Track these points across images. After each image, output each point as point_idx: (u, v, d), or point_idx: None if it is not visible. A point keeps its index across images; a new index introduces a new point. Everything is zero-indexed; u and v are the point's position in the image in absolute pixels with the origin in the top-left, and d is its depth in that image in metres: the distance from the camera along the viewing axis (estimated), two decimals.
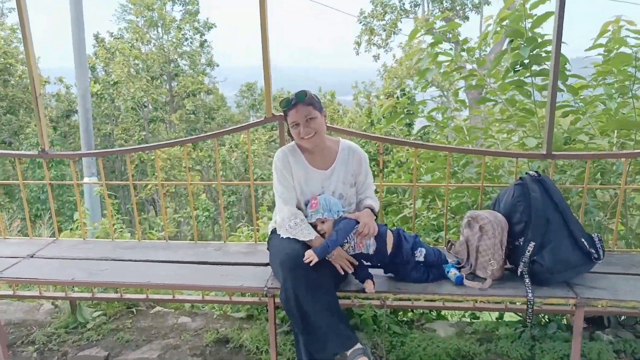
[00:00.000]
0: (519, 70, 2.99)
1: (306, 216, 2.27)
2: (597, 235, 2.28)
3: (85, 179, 6.66)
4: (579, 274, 2.26)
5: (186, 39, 20.91)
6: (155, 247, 2.88)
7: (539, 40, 2.82)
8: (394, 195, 4.05)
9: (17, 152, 5.69)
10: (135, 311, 3.18)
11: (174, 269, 2.54)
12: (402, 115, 3.78)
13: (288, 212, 2.25)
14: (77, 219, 3.22)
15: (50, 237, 2.78)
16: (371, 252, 2.22)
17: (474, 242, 2.30)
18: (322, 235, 2.22)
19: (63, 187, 13.71)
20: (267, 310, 2.32)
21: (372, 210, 2.32)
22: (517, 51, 2.86)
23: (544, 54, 2.84)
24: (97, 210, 6.26)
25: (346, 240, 2.18)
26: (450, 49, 3.44)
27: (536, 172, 2.37)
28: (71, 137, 18.60)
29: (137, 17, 20.28)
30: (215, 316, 3.12)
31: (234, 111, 24.82)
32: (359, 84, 20.89)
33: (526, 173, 2.37)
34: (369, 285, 2.18)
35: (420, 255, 2.24)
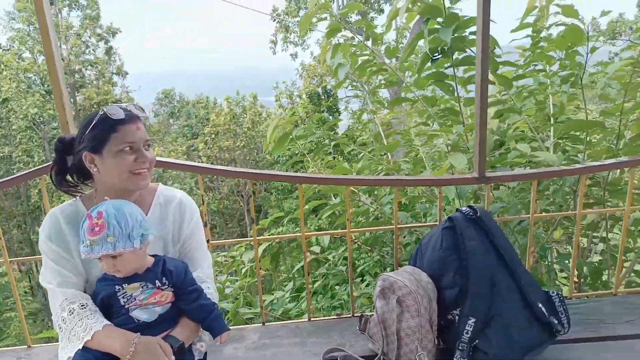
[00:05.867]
0: (437, 58, 2.30)
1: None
2: (557, 293, 1.63)
3: None
4: (538, 355, 1.58)
5: (87, 47, 19.15)
6: None
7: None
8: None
9: None
10: None
11: None
12: (291, 136, 2.71)
13: (62, 296, 1.33)
14: None
15: None
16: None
17: (391, 322, 1.55)
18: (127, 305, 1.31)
19: None
20: None
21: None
22: (435, 34, 2.15)
23: (469, 36, 2.17)
24: None
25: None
26: (361, 42, 2.70)
27: (470, 207, 1.66)
28: None
29: (26, 25, 18.15)
30: None
31: (152, 121, 22.96)
32: (280, 84, 20.08)
33: (457, 210, 1.66)
34: None
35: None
